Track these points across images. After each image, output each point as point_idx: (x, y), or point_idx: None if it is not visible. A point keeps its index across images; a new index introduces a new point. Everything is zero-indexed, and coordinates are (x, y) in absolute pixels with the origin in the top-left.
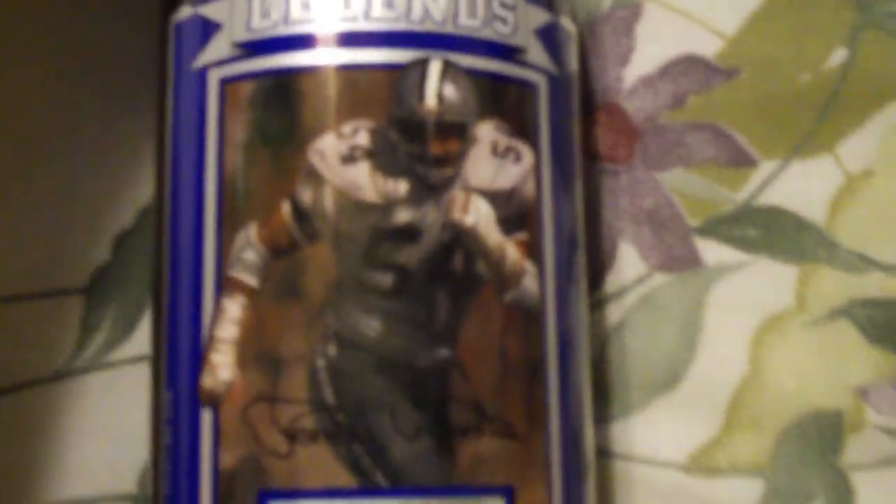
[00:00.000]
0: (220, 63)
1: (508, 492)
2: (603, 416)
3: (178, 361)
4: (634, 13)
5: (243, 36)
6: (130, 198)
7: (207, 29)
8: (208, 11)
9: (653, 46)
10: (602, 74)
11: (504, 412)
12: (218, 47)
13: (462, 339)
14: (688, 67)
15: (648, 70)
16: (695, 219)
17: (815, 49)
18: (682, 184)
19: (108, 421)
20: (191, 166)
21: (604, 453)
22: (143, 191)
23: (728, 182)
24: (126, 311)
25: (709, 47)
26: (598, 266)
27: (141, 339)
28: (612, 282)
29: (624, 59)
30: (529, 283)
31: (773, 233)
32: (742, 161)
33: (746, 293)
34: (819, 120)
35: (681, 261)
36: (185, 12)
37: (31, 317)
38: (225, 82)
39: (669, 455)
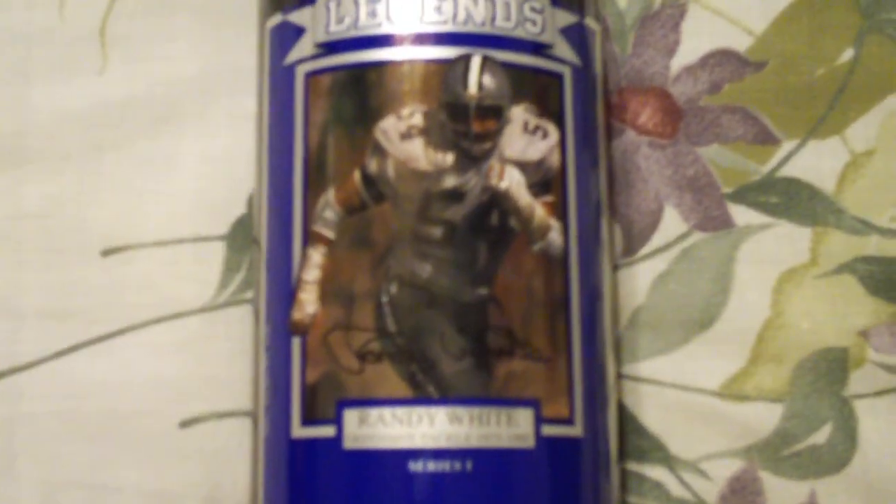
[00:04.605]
0: (305, 60)
1: (536, 404)
2: (649, 350)
3: (274, 300)
4: (681, 12)
5: (323, 38)
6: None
7: (294, 33)
8: (294, 18)
9: (695, 40)
10: (652, 63)
11: (532, 338)
12: (303, 47)
13: (498, 280)
14: (724, 59)
15: (691, 60)
16: (727, 186)
17: (829, 47)
18: (717, 157)
19: (244, 346)
20: (282, 142)
21: (647, 381)
22: None
23: (755, 156)
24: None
25: (741, 43)
26: (647, 225)
27: None
28: (658, 238)
29: (671, 51)
30: (554, 237)
31: (792, 200)
32: (767, 139)
33: (769, 250)
34: (830, 107)
35: (716, 221)
36: (276, 19)
37: (184, 258)
38: (309, 76)
39: (705, 383)
